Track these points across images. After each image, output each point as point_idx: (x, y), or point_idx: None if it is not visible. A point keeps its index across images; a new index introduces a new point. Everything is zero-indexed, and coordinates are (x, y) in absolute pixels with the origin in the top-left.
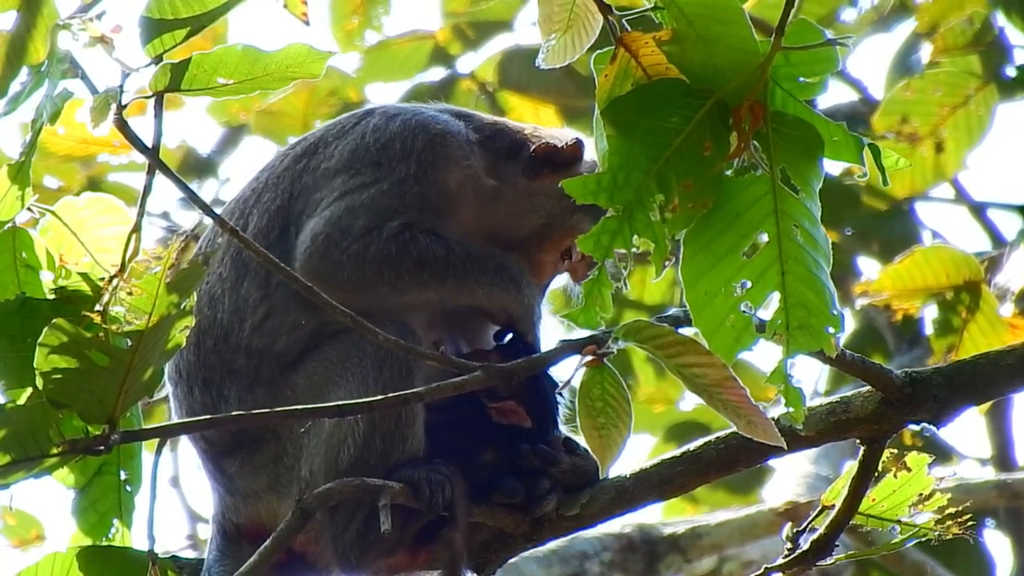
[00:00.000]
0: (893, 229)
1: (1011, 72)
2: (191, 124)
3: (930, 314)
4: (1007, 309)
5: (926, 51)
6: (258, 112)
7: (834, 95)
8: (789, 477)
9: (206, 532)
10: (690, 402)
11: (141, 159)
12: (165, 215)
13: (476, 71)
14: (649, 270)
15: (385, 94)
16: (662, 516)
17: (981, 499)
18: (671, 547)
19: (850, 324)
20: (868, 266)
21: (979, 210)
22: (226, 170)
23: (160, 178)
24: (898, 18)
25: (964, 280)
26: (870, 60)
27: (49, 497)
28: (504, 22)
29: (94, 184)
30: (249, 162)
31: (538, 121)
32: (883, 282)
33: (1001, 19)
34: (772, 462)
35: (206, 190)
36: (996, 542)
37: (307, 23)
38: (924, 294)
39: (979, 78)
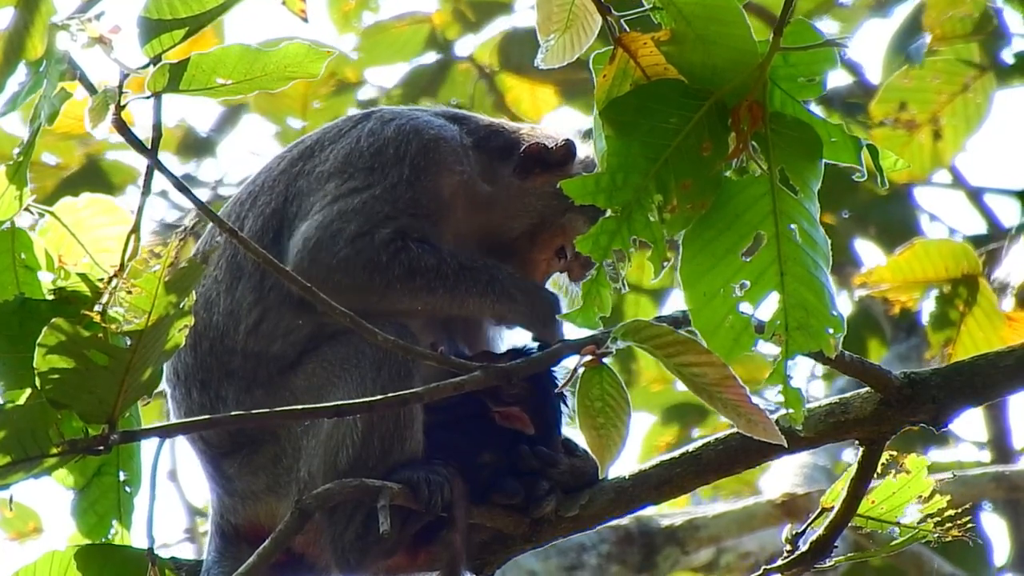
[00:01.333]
0: (891, 213)
1: (1009, 59)
2: (190, 103)
3: (927, 307)
4: (1008, 303)
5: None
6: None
7: (831, 79)
8: (786, 468)
9: (204, 526)
10: None
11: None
12: (164, 194)
13: (474, 53)
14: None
15: (383, 76)
16: (659, 508)
17: (978, 491)
18: (669, 539)
19: (847, 311)
20: (866, 249)
21: (976, 195)
22: (225, 149)
23: (161, 157)
24: (896, 1)
25: (963, 273)
26: (867, 43)
27: (46, 490)
28: (503, 3)
29: (92, 162)
30: (248, 141)
31: (536, 101)
32: (883, 274)
33: (999, 2)
34: None
35: (205, 169)
36: (993, 525)
37: (305, 20)
38: (923, 286)
39: (977, 66)
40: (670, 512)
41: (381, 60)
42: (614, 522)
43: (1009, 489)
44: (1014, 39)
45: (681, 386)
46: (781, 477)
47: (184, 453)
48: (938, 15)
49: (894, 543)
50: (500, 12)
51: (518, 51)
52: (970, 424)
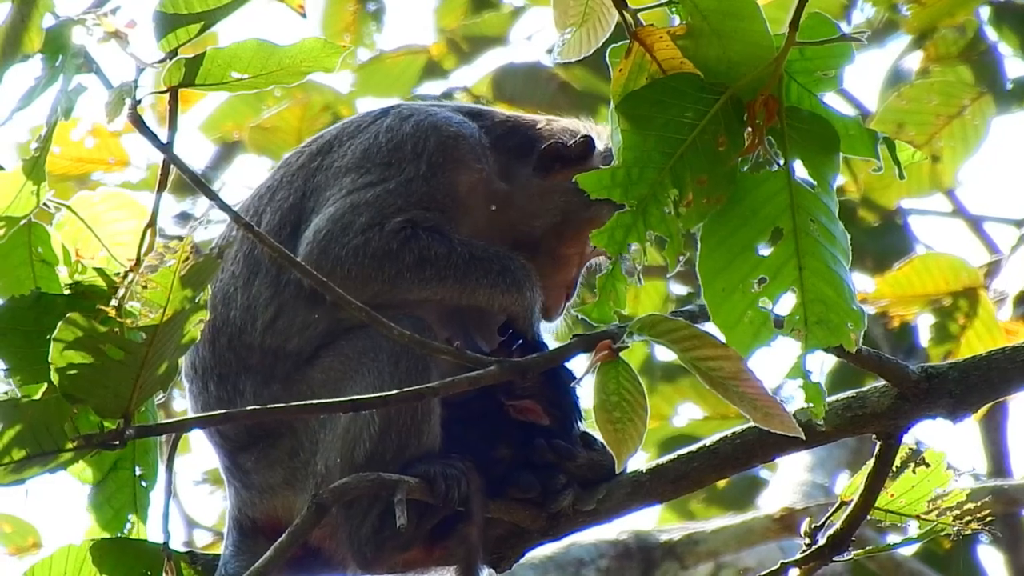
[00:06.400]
0: (887, 244)
1: (1008, 85)
2: (185, 142)
3: (926, 322)
4: (1005, 313)
5: (916, 58)
6: (252, 128)
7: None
8: (785, 486)
9: (202, 539)
10: (683, 418)
11: (136, 178)
12: (160, 231)
13: (472, 86)
14: (640, 287)
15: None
16: (658, 523)
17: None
18: (667, 554)
19: None
20: (862, 281)
21: (976, 223)
22: (220, 185)
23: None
24: (891, 34)
25: (963, 287)
26: (862, 76)
27: (45, 505)
28: (498, 37)
29: None
30: (244, 178)
31: None
32: (882, 289)
33: (993, 33)
34: (767, 471)
35: (200, 205)
36: (988, 554)
37: (303, 15)
38: (923, 300)
39: (974, 88)
40: (669, 527)
41: (377, 92)
42: (613, 536)
43: (1008, 503)
44: (1005, 63)
45: (677, 421)
46: (780, 493)
47: (182, 465)
48: (920, 25)
49: (919, 534)
50: (494, 44)
51: (511, 83)
52: (968, 453)
